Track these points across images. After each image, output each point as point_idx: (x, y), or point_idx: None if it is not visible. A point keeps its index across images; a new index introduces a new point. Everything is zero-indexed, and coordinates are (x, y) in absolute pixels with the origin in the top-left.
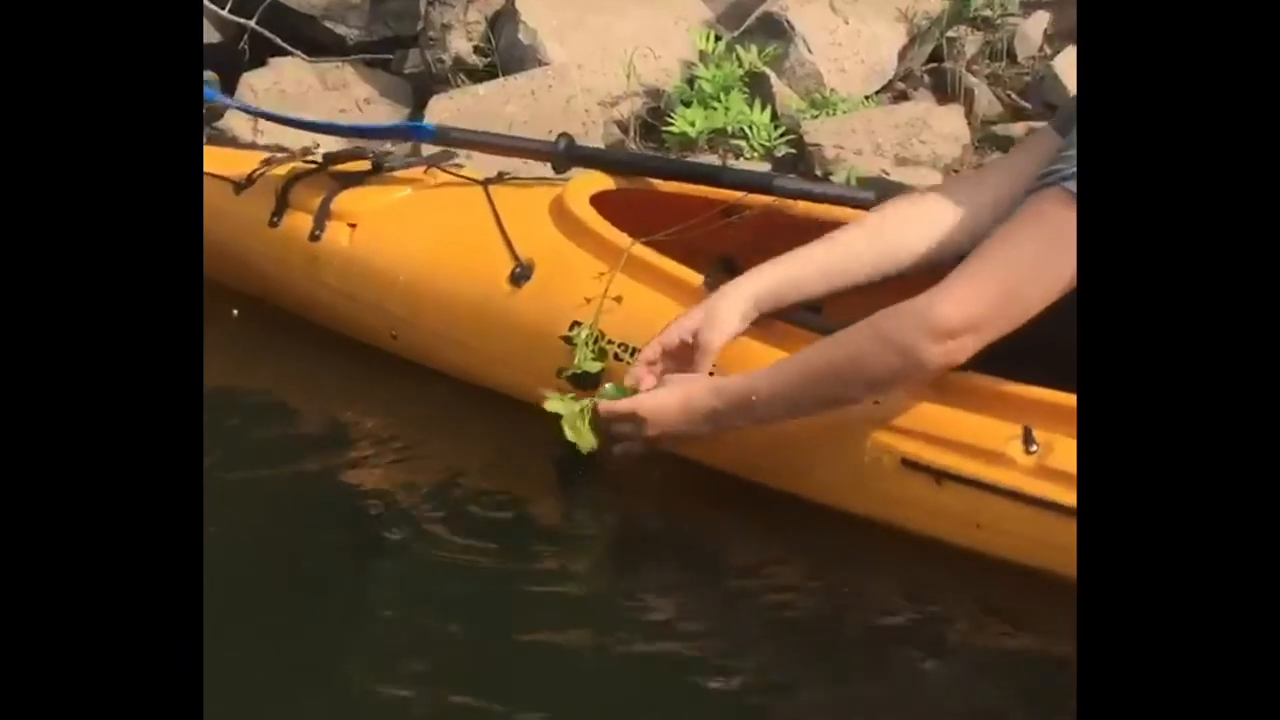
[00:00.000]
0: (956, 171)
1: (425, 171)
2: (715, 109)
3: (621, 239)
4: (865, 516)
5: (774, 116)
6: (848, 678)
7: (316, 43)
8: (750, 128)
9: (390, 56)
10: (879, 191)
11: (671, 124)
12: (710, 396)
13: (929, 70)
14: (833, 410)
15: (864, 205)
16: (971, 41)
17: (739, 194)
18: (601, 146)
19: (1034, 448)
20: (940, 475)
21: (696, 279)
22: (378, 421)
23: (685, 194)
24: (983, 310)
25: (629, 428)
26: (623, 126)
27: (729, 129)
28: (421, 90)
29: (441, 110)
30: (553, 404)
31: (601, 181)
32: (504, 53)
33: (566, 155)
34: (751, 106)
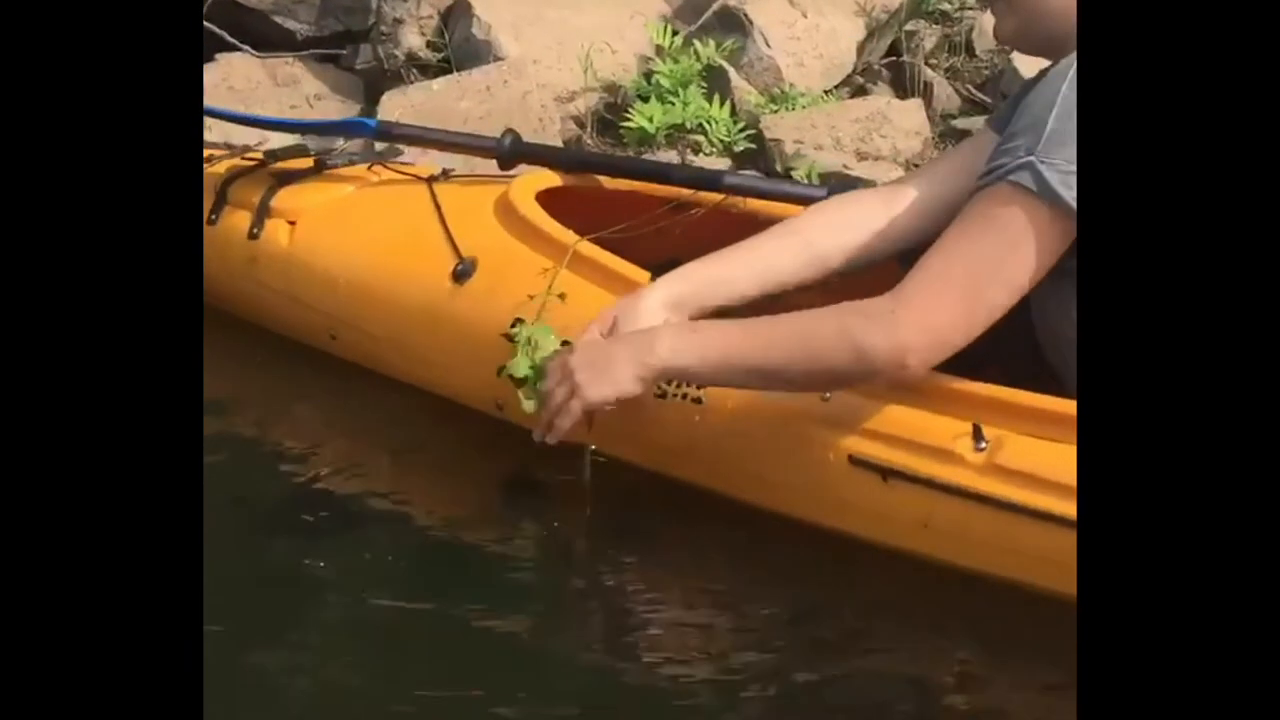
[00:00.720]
0: (918, 166)
1: (369, 169)
2: (673, 104)
3: (567, 236)
4: (815, 520)
5: (733, 112)
6: (799, 681)
7: (265, 38)
8: (709, 123)
9: (341, 52)
10: (832, 188)
11: (630, 120)
12: (656, 335)
13: (887, 64)
14: (777, 389)
15: (814, 202)
16: (930, 35)
17: (688, 191)
18: (558, 143)
19: (983, 445)
20: (887, 473)
21: (643, 276)
22: (312, 426)
23: (633, 191)
24: (943, 321)
25: (561, 390)
26: (579, 122)
27: (687, 124)
28: (373, 86)
29: (394, 106)
30: (517, 365)
31: (548, 179)
32: (458, 48)
33: (512, 152)
34: (710, 101)
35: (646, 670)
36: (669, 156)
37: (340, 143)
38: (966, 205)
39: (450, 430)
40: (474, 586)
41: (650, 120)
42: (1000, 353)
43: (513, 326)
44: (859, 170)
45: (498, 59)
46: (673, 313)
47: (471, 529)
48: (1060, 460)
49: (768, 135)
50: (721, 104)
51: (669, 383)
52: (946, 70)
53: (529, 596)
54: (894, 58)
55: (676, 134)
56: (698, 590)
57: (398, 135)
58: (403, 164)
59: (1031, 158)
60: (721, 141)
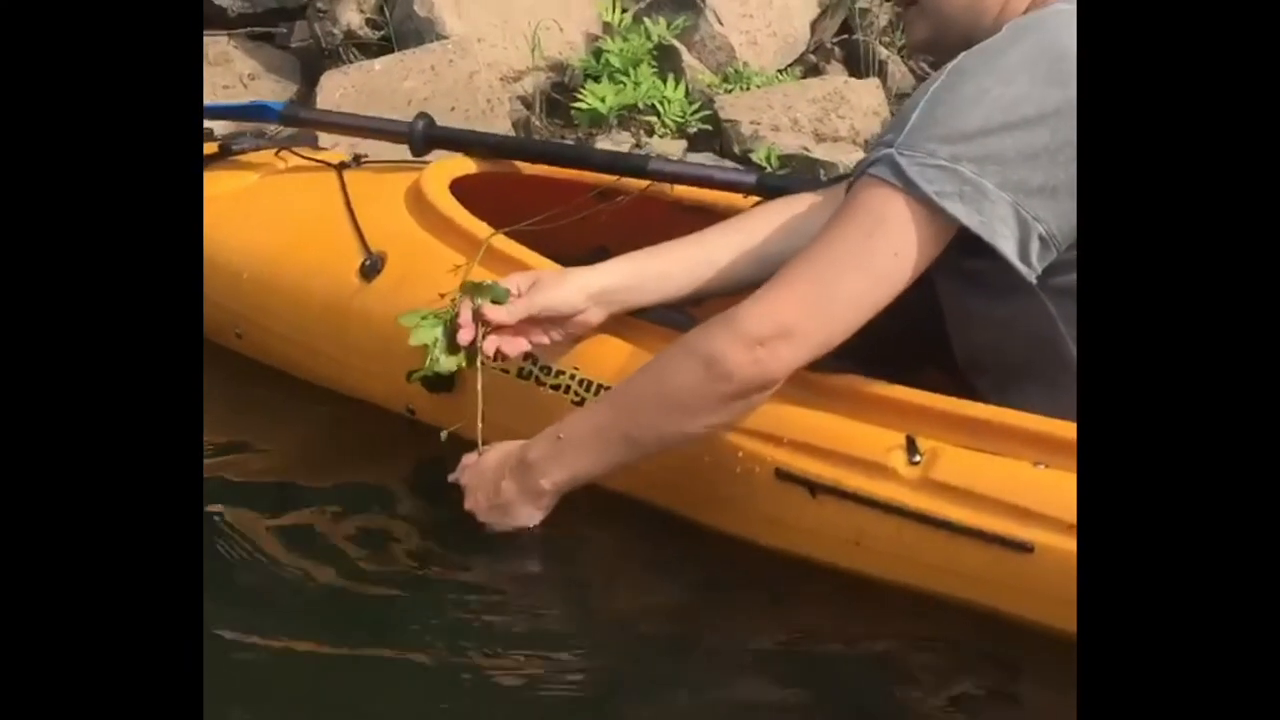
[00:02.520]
0: None
1: (276, 154)
2: (624, 84)
3: (481, 228)
4: (744, 535)
5: (686, 92)
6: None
7: None
8: (662, 103)
9: (277, 29)
10: (761, 177)
11: (581, 100)
12: (518, 451)
13: (839, 42)
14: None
15: (745, 189)
16: (882, 13)
17: (612, 177)
18: (508, 125)
19: (917, 458)
20: (816, 487)
21: (558, 270)
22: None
23: (554, 178)
24: (793, 311)
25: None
26: (527, 103)
27: (640, 105)
28: (310, 65)
29: (334, 87)
30: (417, 334)
31: (463, 165)
32: (398, 25)
33: (424, 137)
34: (662, 81)
35: (568, 681)
36: (622, 138)
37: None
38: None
39: (361, 433)
40: (386, 606)
41: (602, 101)
42: (938, 354)
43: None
44: (819, 152)
45: (440, 37)
46: (595, 304)
47: (377, 548)
48: (999, 475)
49: (723, 116)
50: (675, 84)
51: (586, 389)
52: (901, 49)
53: (446, 610)
54: (846, 35)
55: (629, 115)
56: (619, 600)
57: (304, 120)
58: (313, 150)
59: (890, 150)
60: (675, 123)
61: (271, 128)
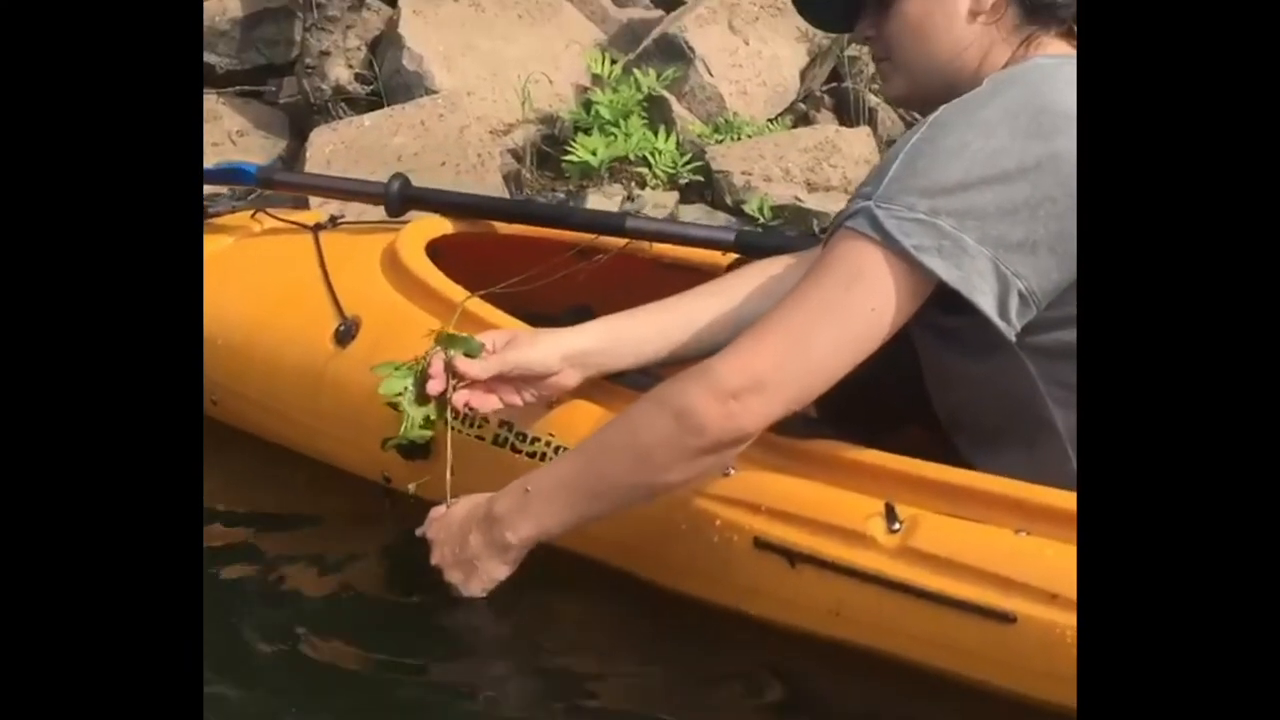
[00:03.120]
0: None
1: (252, 216)
2: (615, 136)
3: (456, 292)
4: (722, 604)
5: (677, 143)
6: None
7: None
8: (653, 155)
9: (264, 87)
10: (740, 233)
11: (572, 152)
12: (485, 504)
13: (829, 90)
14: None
15: (724, 247)
16: (871, 60)
17: (590, 236)
18: (498, 180)
19: (897, 526)
20: (795, 556)
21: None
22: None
23: (533, 237)
24: (767, 364)
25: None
26: (518, 156)
27: (631, 156)
28: (299, 121)
29: (324, 143)
30: (388, 384)
31: (440, 225)
32: (388, 80)
33: (400, 197)
34: (655, 133)
35: None
36: (613, 190)
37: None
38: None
39: (336, 501)
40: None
41: (593, 153)
42: (921, 411)
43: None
44: (811, 202)
45: (429, 91)
46: (570, 366)
47: (355, 619)
48: (979, 542)
49: (714, 167)
50: (666, 135)
51: (556, 451)
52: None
53: (420, 682)
54: (835, 84)
55: (619, 166)
56: (591, 669)
57: (279, 183)
58: (289, 211)
59: (868, 203)
60: (667, 173)
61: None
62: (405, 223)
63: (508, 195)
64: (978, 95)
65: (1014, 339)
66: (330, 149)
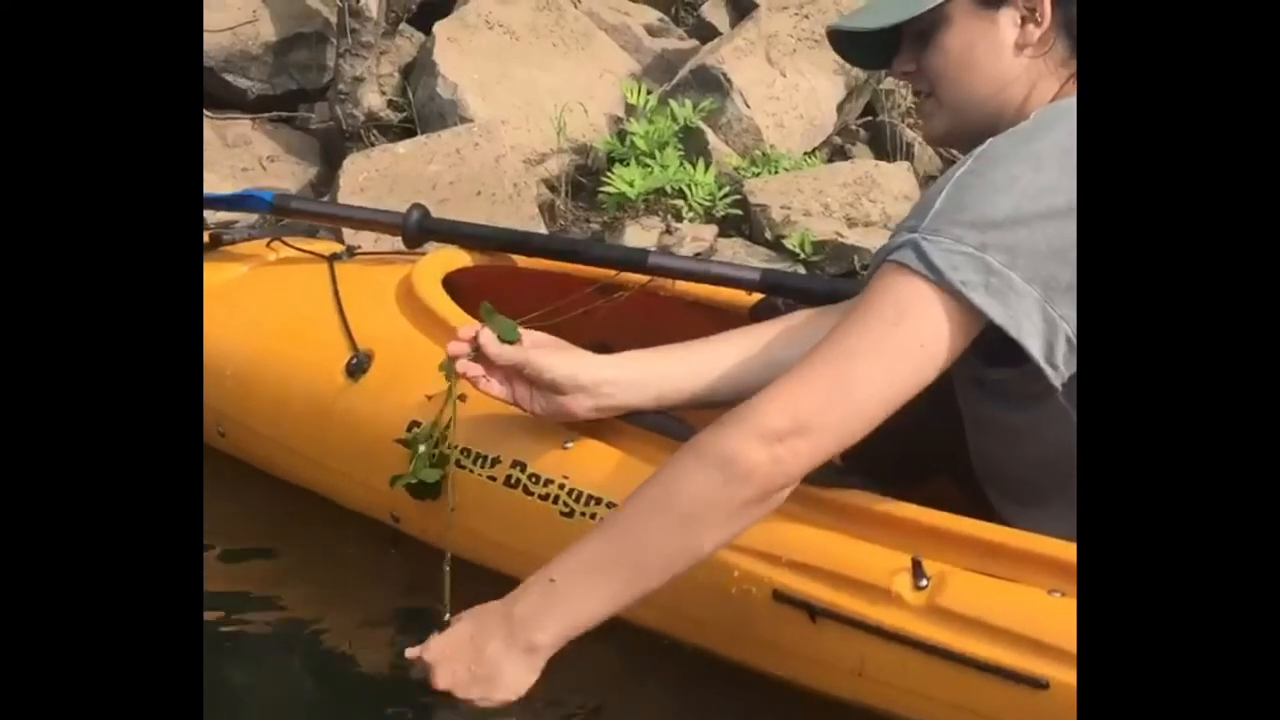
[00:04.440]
0: None
1: (268, 244)
2: (650, 167)
3: (471, 326)
4: (740, 660)
5: (715, 175)
6: None
7: (214, 97)
8: (689, 187)
9: (295, 114)
10: (765, 273)
11: (609, 183)
12: (500, 608)
13: (864, 124)
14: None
15: (749, 286)
16: (907, 94)
17: (611, 272)
18: (534, 211)
19: (924, 582)
20: (816, 611)
21: None
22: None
23: (553, 271)
24: (810, 404)
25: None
26: (552, 186)
27: (667, 189)
28: (331, 148)
29: (358, 171)
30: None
31: (458, 258)
32: (421, 107)
33: (419, 228)
34: (694, 165)
35: None
36: (650, 222)
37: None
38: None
39: (343, 542)
40: None
41: (630, 184)
42: (951, 459)
43: (408, 431)
44: (851, 237)
45: (464, 119)
46: (584, 393)
47: (359, 669)
48: (1011, 602)
49: (752, 200)
50: (705, 168)
51: (576, 500)
52: None
53: None
54: (871, 118)
55: (655, 199)
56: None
57: (295, 211)
58: (305, 240)
59: (915, 235)
60: (703, 206)
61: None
62: (423, 254)
63: (543, 226)
64: (1027, 129)
65: (1060, 386)
66: (364, 176)
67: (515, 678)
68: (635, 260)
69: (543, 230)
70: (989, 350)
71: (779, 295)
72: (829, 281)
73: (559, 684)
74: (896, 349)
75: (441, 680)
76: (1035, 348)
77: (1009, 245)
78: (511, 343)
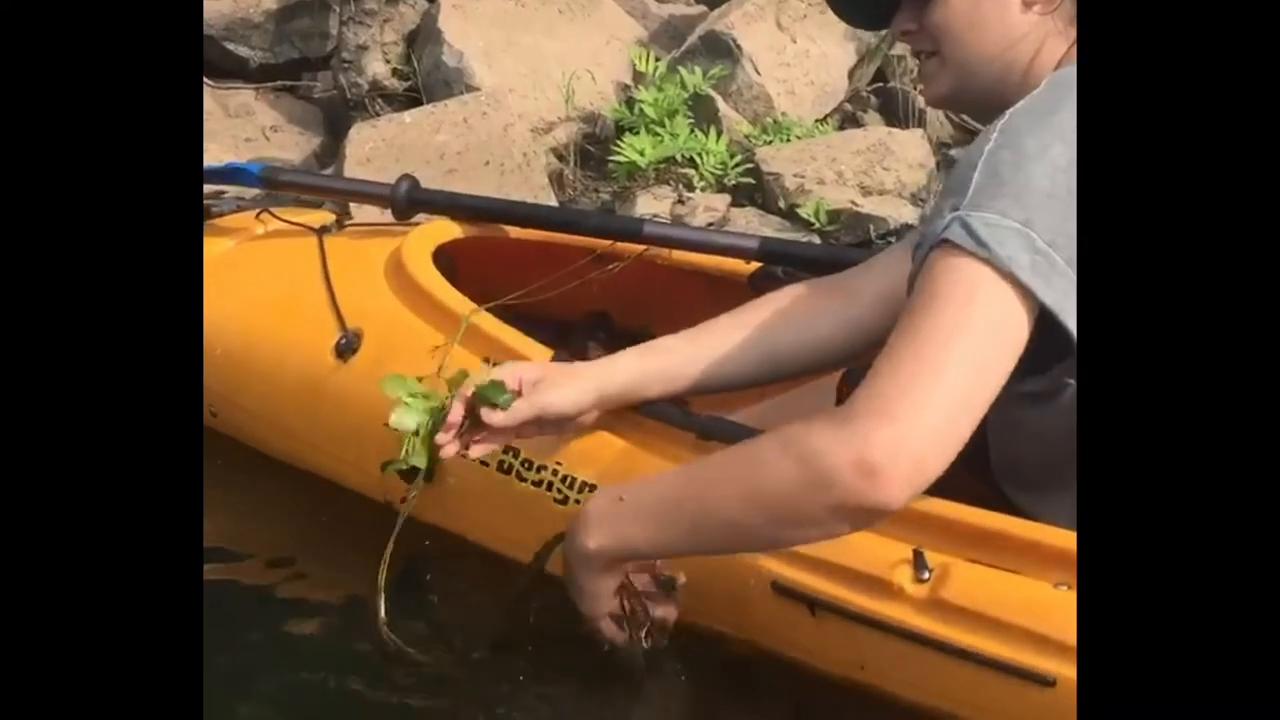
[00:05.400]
0: (923, 200)
1: (257, 216)
2: (660, 135)
3: (463, 304)
4: (737, 649)
5: (728, 143)
6: None
7: (215, 66)
8: (700, 155)
9: (299, 82)
10: (764, 240)
11: (620, 151)
12: (586, 504)
13: (874, 91)
14: (735, 546)
15: (748, 255)
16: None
17: (607, 242)
18: (544, 181)
19: (926, 575)
20: (815, 604)
21: (544, 354)
22: None
23: (546, 242)
24: (918, 410)
25: None
26: (560, 155)
27: (678, 157)
28: (335, 117)
29: (364, 140)
30: (400, 416)
31: (449, 230)
32: (426, 75)
33: (408, 200)
34: (705, 133)
35: None
36: (661, 192)
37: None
38: (916, 287)
39: (337, 523)
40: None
41: (641, 154)
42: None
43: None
44: (866, 206)
45: (470, 88)
46: (600, 407)
47: (351, 654)
48: (1016, 596)
49: (764, 169)
50: (717, 136)
51: (569, 486)
52: None
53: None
54: (881, 84)
55: (666, 167)
56: (596, 710)
57: (283, 183)
58: (294, 211)
59: (958, 213)
60: (714, 175)
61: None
62: (416, 224)
63: (554, 196)
64: (1043, 98)
65: None
66: (370, 146)
67: (581, 584)
68: (631, 230)
69: (553, 200)
70: (1025, 361)
71: (777, 264)
72: (828, 249)
73: (554, 675)
74: (977, 335)
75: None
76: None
77: (1050, 222)
78: (503, 402)
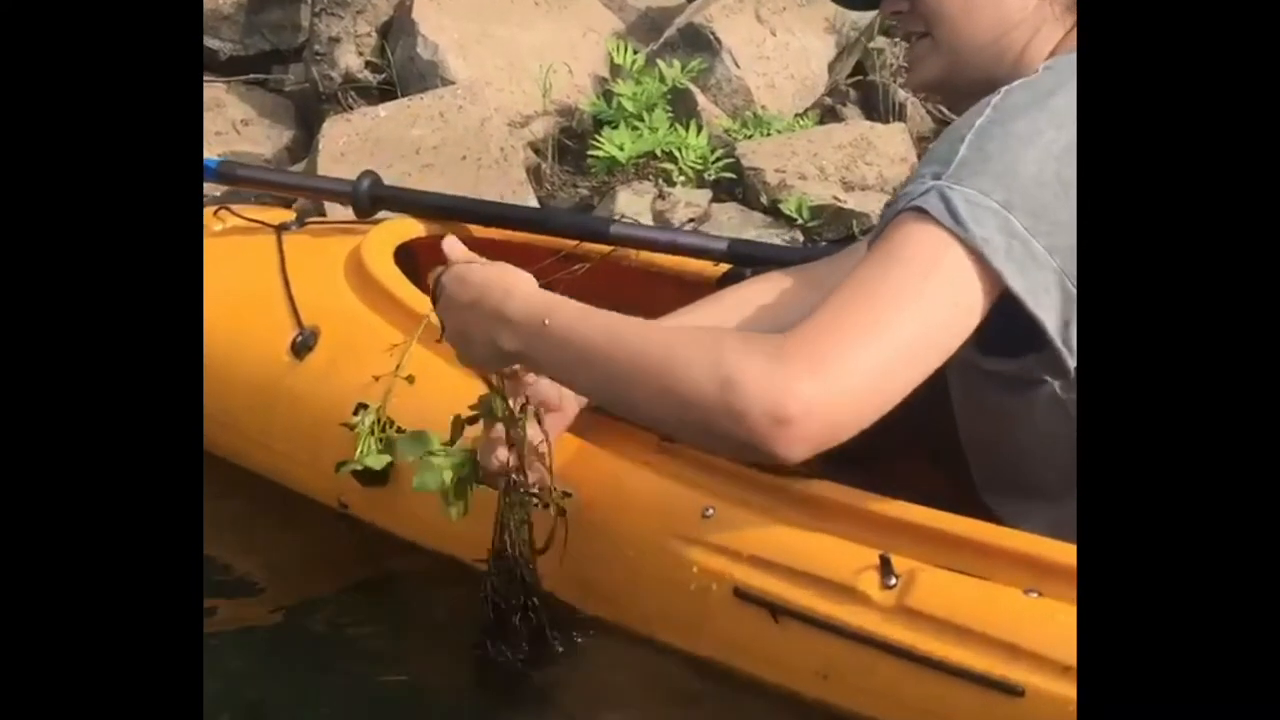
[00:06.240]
0: None
1: (215, 213)
2: (639, 129)
3: (421, 302)
4: (698, 656)
5: (708, 138)
6: None
7: None
8: (680, 150)
9: (269, 76)
10: (733, 243)
11: (598, 146)
12: (500, 294)
13: (854, 84)
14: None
15: (715, 256)
16: (895, 53)
17: (572, 242)
18: (521, 176)
19: (893, 581)
20: (778, 610)
21: None
22: None
23: (512, 241)
24: (848, 368)
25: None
26: (537, 150)
27: (658, 152)
28: (307, 110)
29: (338, 135)
30: (424, 477)
31: (411, 228)
32: (400, 68)
33: (370, 197)
34: (686, 127)
35: None
36: (642, 187)
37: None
38: (871, 246)
39: (290, 528)
40: None
41: (621, 148)
42: (932, 433)
43: (355, 414)
44: (850, 202)
45: (445, 81)
46: (576, 400)
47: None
48: (985, 603)
49: (745, 164)
50: (697, 131)
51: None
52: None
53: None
54: (860, 77)
55: (645, 162)
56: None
57: (240, 179)
58: (253, 208)
59: (939, 182)
60: (694, 170)
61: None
62: (377, 222)
63: (532, 191)
64: (1042, 80)
65: (1073, 369)
66: (344, 140)
67: (475, 354)
68: (598, 229)
69: (532, 196)
70: (988, 336)
71: (746, 265)
72: (798, 250)
73: (514, 681)
74: (930, 309)
75: (440, 303)
76: (1051, 324)
77: (1033, 208)
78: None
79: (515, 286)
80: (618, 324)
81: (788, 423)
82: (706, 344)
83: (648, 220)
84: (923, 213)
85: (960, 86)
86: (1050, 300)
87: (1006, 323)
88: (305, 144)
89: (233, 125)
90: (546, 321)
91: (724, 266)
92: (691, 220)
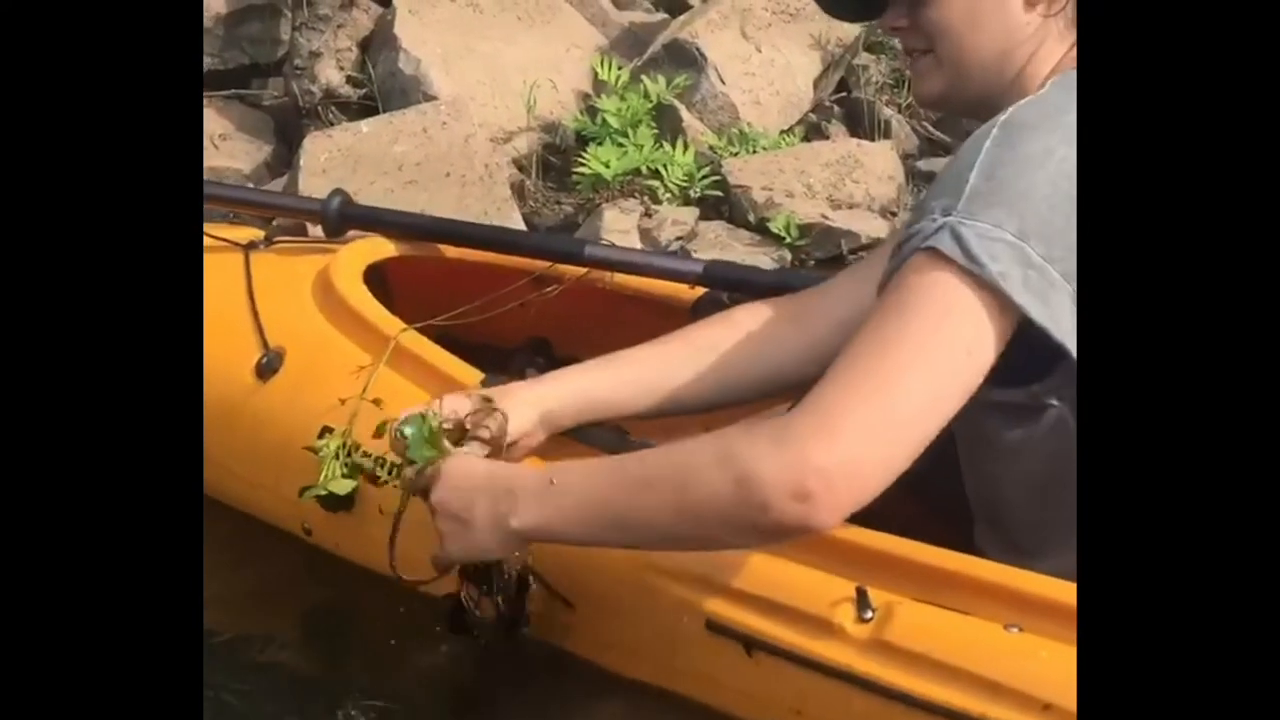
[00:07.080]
0: (894, 214)
1: None
2: (624, 146)
3: (391, 324)
4: (670, 690)
5: (694, 155)
6: None
7: None
8: (665, 167)
9: (248, 90)
10: (709, 265)
11: (583, 163)
12: (505, 476)
13: (838, 101)
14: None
15: (690, 279)
16: (880, 70)
17: (545, 264)
18: (506, 193)
19: (869, 614)
20: (752, 644)
21: (474, 377)
22: None
23: (484, 263)
24: (862, 434)
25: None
26: (521, 166)
27: (643, 169)
28: (286, 125)
29: (319, 150)
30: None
31: (382, 248)
32: (382, 83)
33: (339, 215)
34: (671, 144)
35: None
36: (628, 205)
37: None
38: (882, 293)
39: (253, 556)
40: None
41: (606, 165)
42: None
43: (320, 437)
44: (837, 220)
45: (427, 96)
46: (542, 427)
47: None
48: (963, 638)
49: (732, 181)
50: (684, 148)
51: None
52: (903, 107)
53: None
54: (844, 94)
55: (630, 180)
56: None
57: (210, 196)
58: (222, 226)
59: (950, 218)
60: (679, 187)
61: None
62: (346, 242)
63: (517, 209)
64: (1051, 97)
65: None
66: (326, 157)
67: (479, 543)
68: (572, 251)
69: (516, 213)
70: (999, 370)
71: (722, 289)
72: (775, 274)
73: (482, 712)
74: (944, 359)
75: (437, 495)
76: (1074, 349)
77: (1048, 234)
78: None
79: (512, 466)
80: (618, 459)
81: (810, 497)
82: (710, 448)
83: (635, 239)
84: (936, 253)
85: (962, 102)
86: (1070, 325)
87: (1013, 352)
88: (284, 159)
89: (211, 140)
90: (553, 481)
91: (699, 290)
92: (679, 239)
